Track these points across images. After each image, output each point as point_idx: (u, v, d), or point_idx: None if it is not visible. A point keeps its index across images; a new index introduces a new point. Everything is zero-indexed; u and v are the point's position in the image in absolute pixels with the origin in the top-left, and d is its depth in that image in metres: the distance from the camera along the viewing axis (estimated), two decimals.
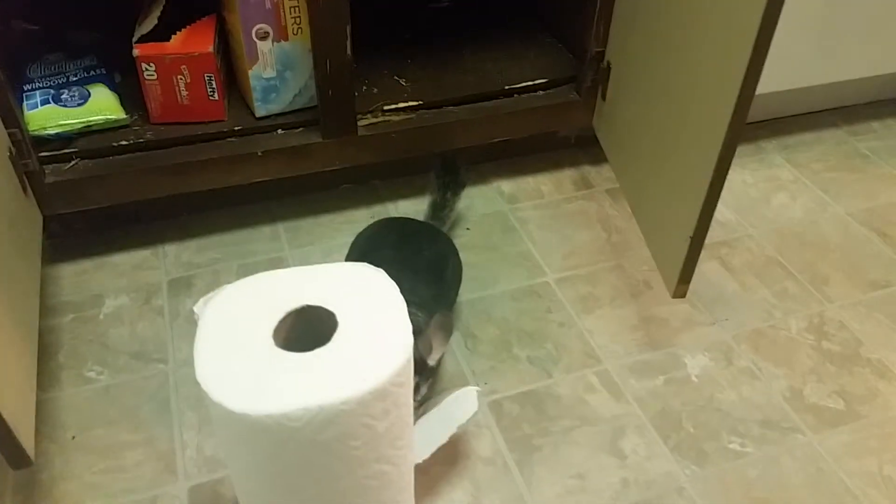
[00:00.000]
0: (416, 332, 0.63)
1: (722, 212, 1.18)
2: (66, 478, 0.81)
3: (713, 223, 1.15)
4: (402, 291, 0.63)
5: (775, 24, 0.72)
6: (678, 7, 0.89)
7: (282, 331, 0.57)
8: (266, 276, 0.59)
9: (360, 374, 0.52)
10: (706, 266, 1.09)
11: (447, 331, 0.76)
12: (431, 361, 0.76)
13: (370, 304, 0.57)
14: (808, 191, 1.23)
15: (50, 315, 0.99)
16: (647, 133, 1.00)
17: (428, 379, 0.79)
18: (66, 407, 0.88)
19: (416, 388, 0.74)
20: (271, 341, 0.54)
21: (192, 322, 0.97)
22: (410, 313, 0.57)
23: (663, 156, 0.95)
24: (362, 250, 0.94)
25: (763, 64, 0.75)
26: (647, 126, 1.00)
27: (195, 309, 0.59)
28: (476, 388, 0.77)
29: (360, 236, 0.97)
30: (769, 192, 1.22)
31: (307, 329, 0.57)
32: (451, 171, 1.09)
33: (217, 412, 0.51)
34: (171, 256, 1.07)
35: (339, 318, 0.56)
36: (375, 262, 0.76)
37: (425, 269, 0.90)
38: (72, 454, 0.83)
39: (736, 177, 1.25)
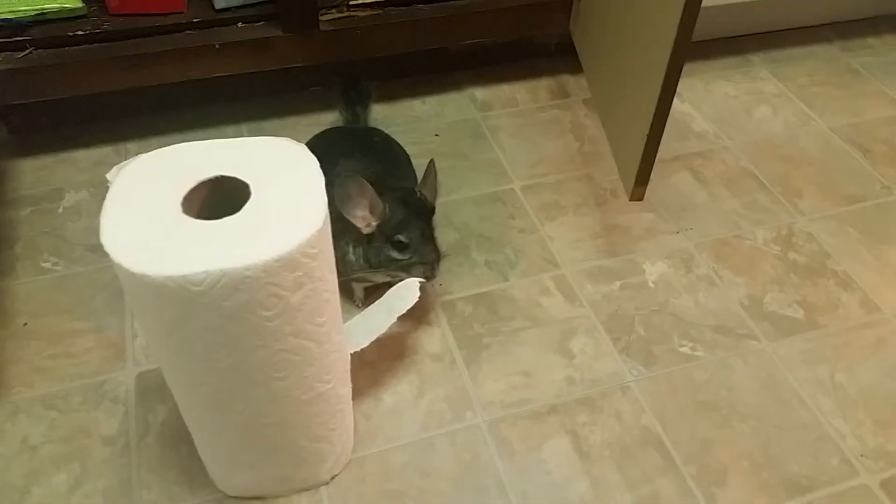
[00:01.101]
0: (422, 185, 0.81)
1: (700, 123, 1.15)
2: (16, 362, 0.82)
3: (689, 135, 1.12)
4: (380, 170, 0.75)
5: None
6: None
7: (196, 201, 0.56)
8: (184, 146, 0.58)
9: (267, 241, 0.51)
10: (677, 176, 1.06)
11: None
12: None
13: (286, 176, 0.56)
14: (791, 105, 1.19)
15: (9, 207, 0.98)
16: (614, 34, 0.96)
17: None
18: (20, 295, 0.88)
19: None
20: (180, 208, 0.53)
21: None
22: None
23: (627, 57, 0.91)
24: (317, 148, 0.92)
25: None
26: (614, 27, 0.96)
27: (108, 176, 0.58)
28: (419, 279, 0.76)
29: (309, 143, 0.94)
30: (751, 105, 1.19)
31: (222, 200, 0.56)
32: (354, 86, 1.04)
33: (123, 275, 0.51)
34: (133, 154, 1.05)
35: (252, 189, 0.54)
36: (336, 155, 0.80)
37: (384, 152, 0.91)
38: (23, 340, 0.84)
39: (718, 89, 1.21)
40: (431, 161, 0.87)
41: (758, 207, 1.02)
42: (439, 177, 1.03)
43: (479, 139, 1.11)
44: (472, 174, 1.05)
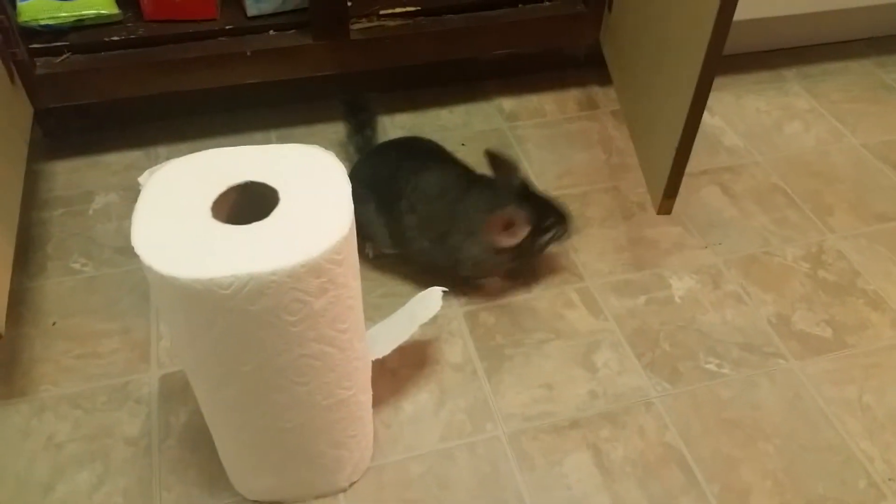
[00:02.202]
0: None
1: (731, 137, 1.14)
2: (44, 360, 0.83)
3: (720, 149, 1.11)
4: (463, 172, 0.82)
5: None
6: None
7: (225, 206, 0.56)
8: (214, 152, 0.58)
9: (293, 247, 0.51)
10: (706, 191, 1.05)
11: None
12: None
13: (314, 183, 0.56)
14: (823, 121, 1.17)
15: (42, 208, 1.00)
16: (645, 46, 0.96)
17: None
18: (50, 295, 0.89)
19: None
20: (210, 213, 0.53)
21: None
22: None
23: (657, 69, 0.91)
24: (383, 165, 0.92)
25: None
26: (645, 39, 0.95)
27: (140, 180, 0.59)
28: (442, 288, 0.76)
29: (365, 162, 0.95)
30: (782, 121, 1.17)
31: (251, 206, 0.56)
32: (358, 110, 1.04)
33: (152, 277, 0.51)
34: (163, 158, 1.07)
35: (280, 195, 0.55)
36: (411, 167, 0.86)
37: (450, 156, 0.93)
38: (51, 339, 0.85)
39: (750, 103, 1.20)
40: (487, 151, 0.89)
41: (788, 224, 1.00)
42: None
43: (506, 148, 1.11)
44: None
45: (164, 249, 0.51)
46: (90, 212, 0.99)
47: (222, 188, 0.55)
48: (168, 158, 1.07)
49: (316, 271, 0.52)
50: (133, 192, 1.02)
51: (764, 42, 1.29)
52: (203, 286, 0.49)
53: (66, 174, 1.05)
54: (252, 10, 1.02)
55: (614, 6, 1.08)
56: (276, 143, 1.10)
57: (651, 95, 0.94)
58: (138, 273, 0.91)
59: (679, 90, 0.84)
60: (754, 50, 1.28)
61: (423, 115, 1.17)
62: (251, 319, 0.52)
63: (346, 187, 0.56)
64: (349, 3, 1.04)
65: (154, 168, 0.58)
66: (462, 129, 1.15)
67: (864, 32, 1.32)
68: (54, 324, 0.87)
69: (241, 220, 0.54)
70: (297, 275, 0.51)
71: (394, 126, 1.14)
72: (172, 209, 0.54)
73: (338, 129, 1.13)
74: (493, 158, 0.89)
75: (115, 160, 1.07)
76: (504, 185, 0.86)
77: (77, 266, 0.93)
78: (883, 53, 1.30)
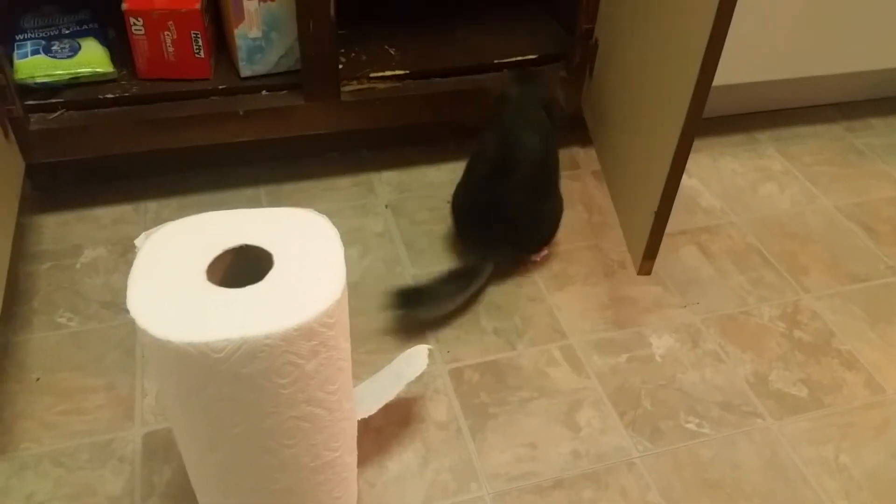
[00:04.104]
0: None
1: (708, 198, 1.17)
2: (26, 416, 0.83)
3: (697, 210, 1.14)
4: None
5: (730, 14, 0.71)
6: None
7: (220, 268, 0.57)
8: (209, 215, 0.60)
9: (287, 311, 0.52)
10: (684, 250, 1.08)
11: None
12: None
13: (308, 247, 0.58)
14: (797, 182, 1.22)
15: (29, 262, 1.01)
16: (625, 110, 0.99)
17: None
18: (35, 350, 0.89)
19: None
20: (204, 276, 0.55)
21: None
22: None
23: (637, 133, 0.94)
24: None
25: (721, 48, 0.74)
26: (625, 103, 0.99)
27: (136, 242, 0.60)
28: (428, 346, 0.77)
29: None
30: (757, 182, 1.21)
31: (246, 268, 0.58)
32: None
33: (145, 340, 0.52)
34: (152, 213, 1.08)
35: (275, 258, 0.56)
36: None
37: None
38: (35, 395, 0.85)
39: (725, 166, 1.24)
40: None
41: (764, 284, 1.03)
42: (453, 243, 1.05)
43: None
44: None
45: (159, 312, 0.52)
46: (78, 266, 1.00)
47: (218, 251, 0.56)
48: (158, 213, 1.09)
49: (308, 334, 0.53)
50: (121, 247, 1.03)
51: (738, 105, 1.34)
52: (196, 349, 0.50)
53: (55, 228, 1.06)
54: (245, 71, 1.05)
55: (595, 72, 1.12)
56: (266, 198, 1.12)
57: (630, 159, 0.98)
58: (124, 328, 0.92)
59: (657, 155, 0.88)
60: (729, 113, 1.33)
61: (411, 172, 1.19)
62: (243, 382, 0.53)
63: (338, 251, 0.58)
64: (340, 66, 1.07)
65: (150, 231, 0.59)
66: (449, 186, 1.17)
67: (834, 98, 1.38)
68: (38, 379, 0.86)
69: (236, 282, 0.56)
70: (290, 338, 0.52)
71: (381, 183, 1.17)
72: (168, 272, 0.55)
73: (327, 185, 1.15)
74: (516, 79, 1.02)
75: (105, 214, 1.08)
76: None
77: (63, 320, 0.93)
78: (852, 118, 1.36)
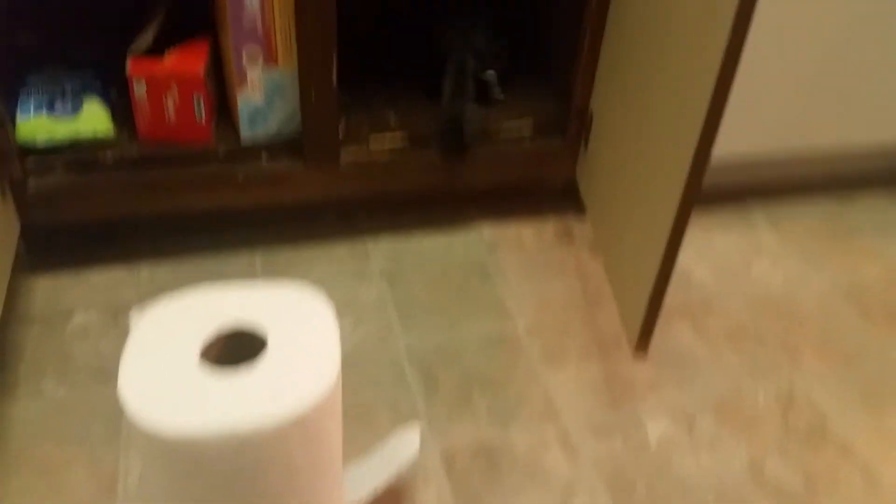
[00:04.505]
0: None
1: (701, 274, 1.18)
2: (4, 494, 0.80)
3: (689, 284, 1.15)
4: None
5: (727, 90, 0.73)
6: (651, 63, 0.90)
7: (214, 346, 0.57)
8: (203, 292, 0.60)
9: (279, 401, 0.52)
10: (678, 328, 1.08)
11: None
12: None
13: (302, 328, 0.57)
14: (790, 260, 1.22)
15: (18, 325, 0.99)
16: (620, 186, 1.00)
17: None
18: (17, 419, 0.88)
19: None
20: (198, 360, 0.54)
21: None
22: None
23: (632, 210, 0.95)
24: None
25: (717, 128, 0.75)
26: (620, 179, 1.00)
27: (130, 317, 0.59)
28: (418, 430, 0.76)
29: None
30: (751, 258, 1.22)
31: (240, 346, 0.57)
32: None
33: (136, 429, 0.51)
34: (146, 277, 1.07)
35: (269, 341, 0.56)
36: None
37: None
38: (14, 467, 0.83)
39: (719, 240, 1.25)
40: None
41: (758, 365, 1.03)
42: (446, 313, 1.05)
43: (486, 278, 1.13)
44: (477, 313, 1.07)
45: (150, 400, 0.51)
46: (67, 331, 0.99)
47: (211, 333, 0.56)
48: (151, 277, 1.08)
49: (301, 423, 0.52)
50: (113, 311, 1.01)
51: (730, 179, 1.35)
52: (186, 440, 0.49)
53: (47, 290, 1.04)
54: (246, 136, 1.05)
55: (590, 144, 1.13)
56: (261, 264, 1.12)
57: (625, 235, 0.98)
58: (111, 398, 0.90)
59: (652, 234, 0.88)
60: (721, 186, 1.35)
61: (405, 239, 1.19)
62: (233, 472, 0.52)
63: (334, 332, 0.57)
64: (340, 132, 1.08)
65: (143, 307, 0.59)
66: (444, 254, 1.18)
67: (826, 173, 1.40)
68: (18, 450, 0.84)
69: (230, 358, 0.55)
70: (282, 429, 0.51)
71: (376, 250, 1.17)
72: (160, 354, 0.54)
73: (322, 251, 1.15)
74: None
75: (98, 277, 1.07)
76: None
77: (49, 388, 0.91)
78: (843, 194, 1.38)
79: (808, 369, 1.03)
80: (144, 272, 1.08)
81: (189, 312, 0.57)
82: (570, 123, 1.13)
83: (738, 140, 1.19)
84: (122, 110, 1.05)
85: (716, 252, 1.22)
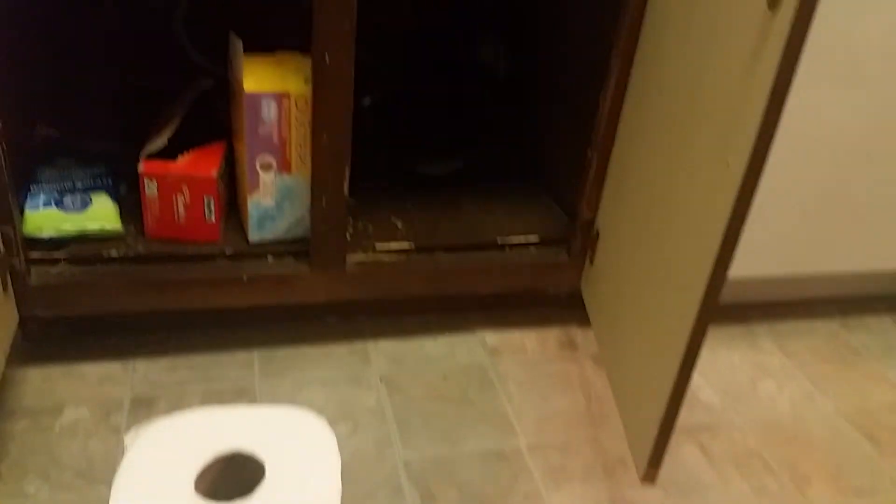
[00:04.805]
0: None
1: (707, 394, 1.15)
2: None
3: (697, 404, 1.12)
4: None
5: (743, 219, 0.73)
6: (662, 183, 0.91)
7: (210, 472, 0.54)
8: (201, 412, 0.58)
9: None
10: (685, 450, 1.05)
11: None
12: None
13: (301, 455, 0.55)
14: (796, 381, 1.20)
15: (5, 419, 0.96)
16: (627, 304, 1.00)
17: None
18: None
19: None
20: (192, 487, 0.52)
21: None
22: None
23: (639, 329, 0.94)
24: None
25: (732, 254, 0.75)
26: (627, 297, 1.00)
27: (125, 439, 0.57)
28: None
29: None
30: (757, 378, 1.20)
31: (237, 472, 0.55)
32: None
33: None
34: (140, 372, 1.05)
35: (267, 468, 0.53)
36: None
37: None
38: None
39: (724, 358, 1.23)
40: None
41: (766, 493, 0.99)
42: (446, 425, 1.02)
43: (488, 387, 1.11)
44: (478, 426, 1.04)
45: None
46: (56, 427, 0.96)
47: (207, 458, 0.53)
48: (146, 374, 1.05)
49: None
50: (105, 408, 0.99)
51: (735, 296, 1.35)
52: None
53: (39, 382, 1.02)
54: (254, 237, 1.06)
55: (596, 258, 1.13)
56: (259, 363, 1.10)
57: (631, 352, 0.97)
58: (97, 502, 0.86)
59: (662, 354, 0.87)
60: (726, 303, 1.34)
61: (407, 343, 1.18)
62: None
63: (335, 459, 0.55)
64: (348, 237, 1.09)
65: (139, 427, 0.57)
66: (445, 360, 1.16)
67: (829, 293, 1.40)
68: None
69: (226, 487, 0.53)
70: None
71: (377, 353, 1.15)
72: (154, 481, 0.52)
73: (322, 352, 1.13)
74: None
75: (92, 371, 1.05)
76: None
77: (32, 489, 0.88)
78: (848, 315, 1.37)
79: (817, 499, 0.99)
80: (140, 367, 1.06)
81: (185, 435, 0.55)
82: (575, 237, 1.14)
83: (743, 262, 1.19)
84: (130, 206, 1.06)
85: (721, 371, 1.21)
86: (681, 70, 0.86)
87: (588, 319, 1.17)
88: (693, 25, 0.84)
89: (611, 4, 0.99)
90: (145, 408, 0.99)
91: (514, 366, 1.16)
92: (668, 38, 0.90)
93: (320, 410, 1.03)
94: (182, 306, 1.02)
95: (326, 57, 0.89)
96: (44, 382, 1.02)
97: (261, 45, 0.99)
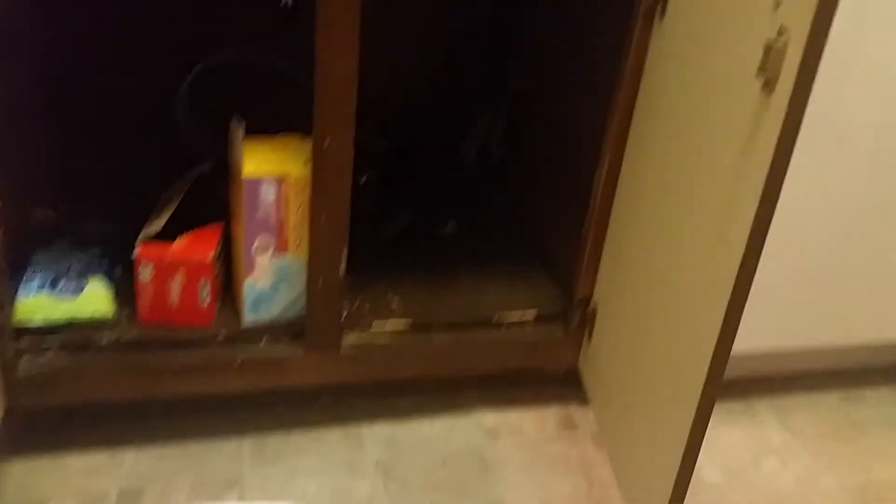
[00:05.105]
0: None
1: (711, 472, 1.13)
2: None
3: (700, 484, 1.10)
4: None
5: (744, 300, 0.73)
6: (658, 264, 0.91)
7: None
8: None
9: None
10: None
11: None
12: None
13: None
14: (799, 458, 1.18)
15: None
16: (627, 383, 0.98)
17: None
18: None
19: None
20: None
21: None
22: None
23: (641, 412, 0.93)
24: None
25: (734, 336, 0.75)
26: (627, 376, 0.99)
27: None
28: None
29: None
30: (760, 455, 1.18)
31: None
32: None
33: None
34: (128, 463, 1.02)
35: None
36: None
37: None
38: None
39: (726, 435, 1.21)
40: None
41: None
42: None
43: (485, 472, 1.08)
44: None
45: None
46: None
47: None
48: (134, 465, 1.02)
49: None
50: (90, 503, 0.95)
51: (734, 371, 1.33)
52: None
53: (22, 475, 0.98)
54: (248, 320, 1.04)
55: (594, 335, 1.13)
56: (249, 451, 1.06)
57: (634, 434, 0.95)
58: None
59: (665, 435, 0.85)
60: (725, 379, 1.33)
61: (403, 425, 1.15)
62: None
63: None
64: (343, 317, 1.07)
65: None
66: (442, 443, 1.13)
67: (829, 366, 1.39)
68: None
69: None
70: None
71: (372, 437, 1.12)
72: None
73: (315, 437, 1.10)
74: None
75: (77, 462, 1.01)
76: None
77: None
78: (847, 388, 1.36)
79: None
80: (128, 458, 1.03)
81: None
82: (572, 314, 1.14)
83: (741, 336, 1.19)
84: (125, 290, 1.05)
85: (724, 448, 1.18)
86: (675, 150, 0.88)
87: (587, 397, 1.15)
88: (687, 105, 0.86)
89: (604, 88, 1.01)
90: (132, 501, 0.96)
91: (512, 448, 1.13)
92: (662, 119, 0.92)
93: (313, 501, 0.99)
94: (172, 394, 1.00)
95: (326, 141, 0.90)
96: (27, 475, 0.98)
97: (261, 127, 1.01)
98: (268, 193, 0.96)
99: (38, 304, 0.98)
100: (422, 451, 1.11)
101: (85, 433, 1.05)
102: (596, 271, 1.11)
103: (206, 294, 1.01)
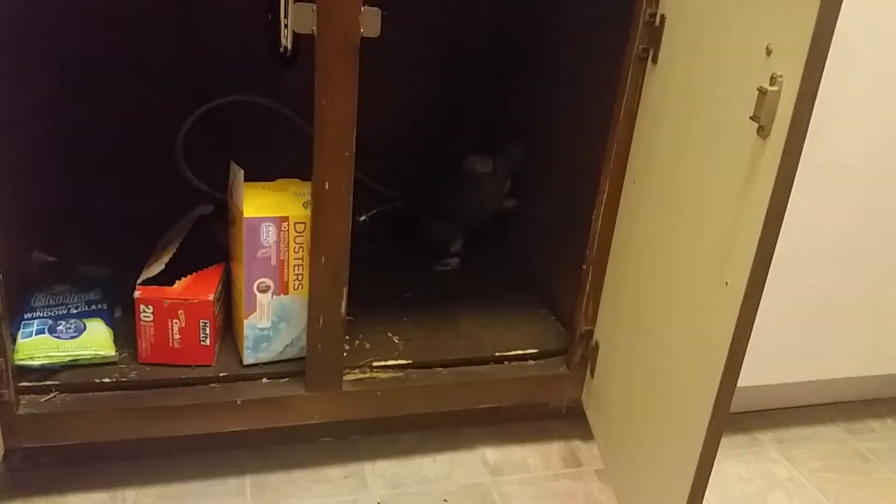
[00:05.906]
0: None
1: None
2: None
3: None
4: None
5: (747, 338, 0.73)
6: (659, 301, 0.91)
7: None
8: None
9: None
10: None
11: None
12: None
13: None
14: (805, 492, 1.17)
15: None
16: (630, 419, 0.98)
17: None
18: None
19: None
20: None
21: None
22: None
23: (646, 448, 0.92)
24: None
25: (738, 374, 0.75)
26: (630, 411, 0.98)
27: None
28: None
29: None
30: (765, 490, 1.17)
31: None
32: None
33: None
34: (129, 503, 1.01)
35: None
36: None
37: None
38: None
39: (730, 470, 1.20)
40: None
41: None
42: None
43: None
44: None
45: None
46: None
47: None
48: (135, 503, 1.01)
49: None
50: None
51: (736, 404, 1.33)
52: None
53: None
54: (249, 359, 1.04)
55: (597, 370, 1.12)
56: (251, 490, 1.06)
57: (639, 470, 0.94)
58: None
59: (671, 474, 0.84)
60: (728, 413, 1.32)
61: (405, 462, 1.15)
62: None
63: None
64: (344, 354, 1.07)
65: None
66: (445, 480, 1.12)
67: (832, 398, 1.39)
68: None
69: None
70: None
71: (374, 475, 1.11)
72: None
73: (317, 476, 1.09)
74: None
75: (78, 502, 1.00)
76: None
77: None
78: (851, 419, 1.35)
79: None
80: (129, 497, 1.02)
81: None
82: (574, 350, 1.13)
83: (743, 370, 1.19)
84: (126, 330, 1.05)
85: (729, 483, 1.17)
86: (673, 190, 0.88)
87: (591, 432, 1.15)
88: (684, 148, 0.86)
89: (600, 130, 1.02)
90: None
91: (517, 485, 1.12)
92: (659, 160, 0.92)
93: None
94: (173, 433, 0.99)
95: (326, 184, 0.90)
96: None
97: (260, 170, 1.02)
98: (268, 234, 0.96)
99: (37, 345, 0.98)
100: (425, 488, 1.10)
101: (86, 473, 1.05)
102: (597, 307, 1.10)
103: (206, 334, 1.01)
